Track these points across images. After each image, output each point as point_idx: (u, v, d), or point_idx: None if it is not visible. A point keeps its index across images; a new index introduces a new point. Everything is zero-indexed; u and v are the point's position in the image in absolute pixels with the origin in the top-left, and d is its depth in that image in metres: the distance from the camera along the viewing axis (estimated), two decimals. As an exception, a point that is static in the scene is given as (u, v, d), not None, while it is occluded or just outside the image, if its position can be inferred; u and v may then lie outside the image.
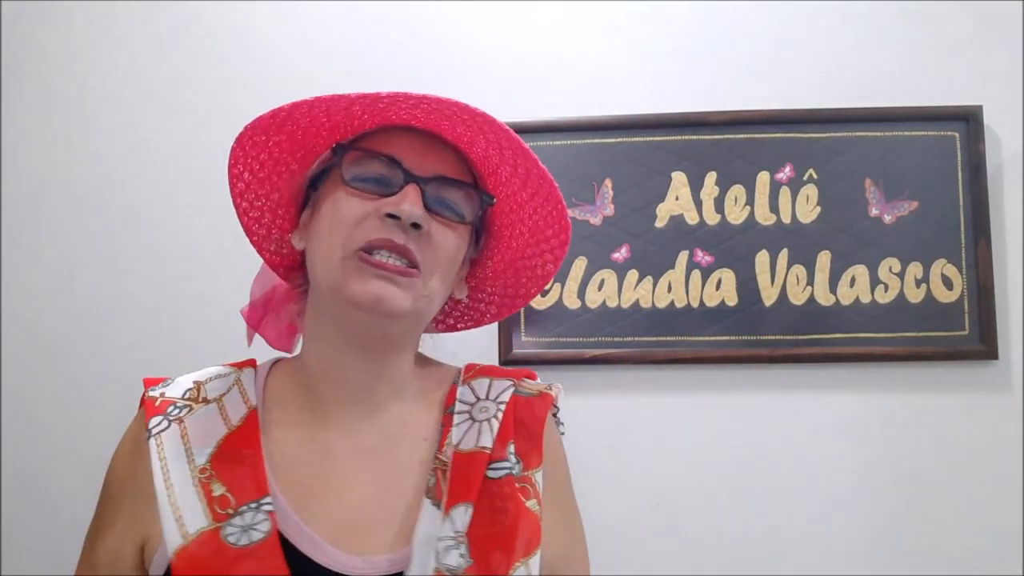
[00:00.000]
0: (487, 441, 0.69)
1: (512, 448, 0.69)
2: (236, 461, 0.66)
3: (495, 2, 1.25)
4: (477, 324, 0.86)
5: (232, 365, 0.78)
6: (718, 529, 1.17)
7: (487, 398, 0.73)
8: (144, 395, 0.74)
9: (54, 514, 1.21)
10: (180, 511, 0.63)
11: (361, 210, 0.65)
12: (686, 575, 1.16)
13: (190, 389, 0.74)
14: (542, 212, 0.73)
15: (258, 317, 0.85)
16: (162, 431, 0.69)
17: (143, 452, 0.68)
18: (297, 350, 0.82)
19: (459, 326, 0.87)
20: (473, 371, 0.77)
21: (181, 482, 0.65)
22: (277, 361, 0.79)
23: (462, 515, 0.64)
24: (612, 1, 1.24)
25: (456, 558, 0.62)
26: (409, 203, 0.63)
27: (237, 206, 0.74)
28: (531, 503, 0.67)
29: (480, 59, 1.25)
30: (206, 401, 0.72)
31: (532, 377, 0.79)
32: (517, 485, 0.68)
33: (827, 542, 1.16)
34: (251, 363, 0.77)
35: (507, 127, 0.66)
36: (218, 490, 0.64)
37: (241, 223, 0.75)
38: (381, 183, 0.66)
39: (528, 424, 0.72)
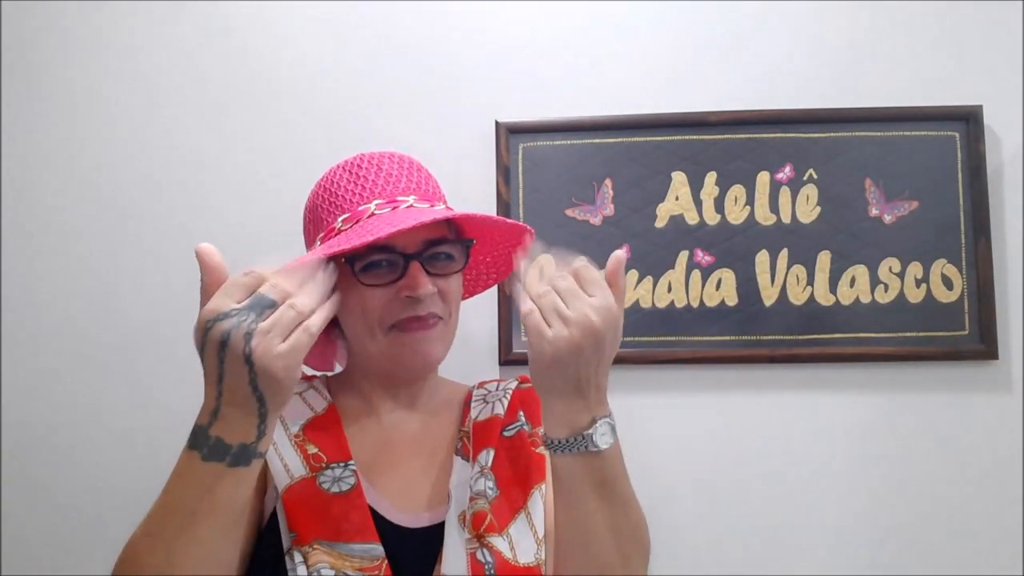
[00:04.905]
0: (500, 411, 0.89)
1: (522, 415, 0.89)
2: (323, 432, 0.83)
3: (496, 3, 1.25)
4: (470, 295, 1.02)
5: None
6: (717, 529, 1.17)
7: (497, 389, 0.93)
8: None
9: (54, 514, 1.20)
10: (285, 461, 0.80)
11: (384, 297, 0.80)
12: (685, 575, 1.17)
13: None
14: (510, 232, 0.90)
15: None
16: None
17: None
18: (338, 369, 0.96)
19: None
20: (481, 382, 0.98)
21: (282, 443, 0.82)
22: (329, 377, 0.96)
23: (485, 456, 0.84)
24: (612, 1, 1.24)
25: (483, 485, 0.80)
26: (422, 284, 0.79)
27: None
28: (540, 449, 0.86)
29: (481, 59, 1.25)
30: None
31: (527, 380, 0.95)
32: (528, 438, 0.87)
33: (827, 542, 1.17)
34: (313, 378, 0.93)
35: (457, 214, 0.80)
36: (312, 450, 0.81)
37: None
38: (388, 268, 0.80)
39: (529, 403, 0.91)
